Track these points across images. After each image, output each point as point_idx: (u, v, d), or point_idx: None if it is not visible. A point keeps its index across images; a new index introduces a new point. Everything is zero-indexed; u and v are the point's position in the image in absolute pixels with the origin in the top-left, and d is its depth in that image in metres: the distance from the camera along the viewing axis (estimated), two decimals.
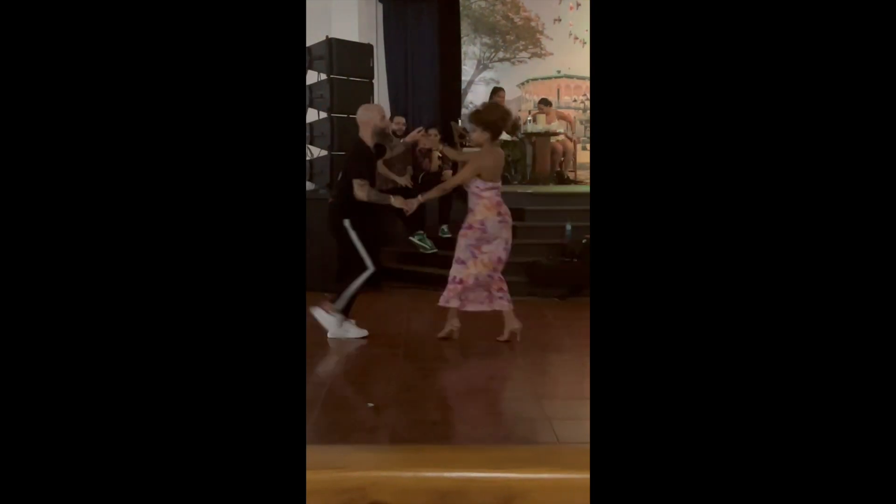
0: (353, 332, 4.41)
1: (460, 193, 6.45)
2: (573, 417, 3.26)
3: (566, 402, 3.46)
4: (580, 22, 9.16)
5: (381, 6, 9.12)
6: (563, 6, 9.22)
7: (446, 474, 0.85)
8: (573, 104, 9.37)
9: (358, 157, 4.31)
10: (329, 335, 4.32)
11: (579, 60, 9.19)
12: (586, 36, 9.16)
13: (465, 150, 8.03)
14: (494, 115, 4.16)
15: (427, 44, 9.17)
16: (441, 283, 5.99)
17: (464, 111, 9.12)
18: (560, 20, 9.24)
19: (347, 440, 2.91)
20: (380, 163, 6.30)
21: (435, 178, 6.47)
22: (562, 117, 8.64)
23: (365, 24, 8.36)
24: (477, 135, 4.14)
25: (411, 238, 6.29)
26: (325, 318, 4.32)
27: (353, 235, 4.26)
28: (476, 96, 9.18)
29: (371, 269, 4.29)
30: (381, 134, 4.28)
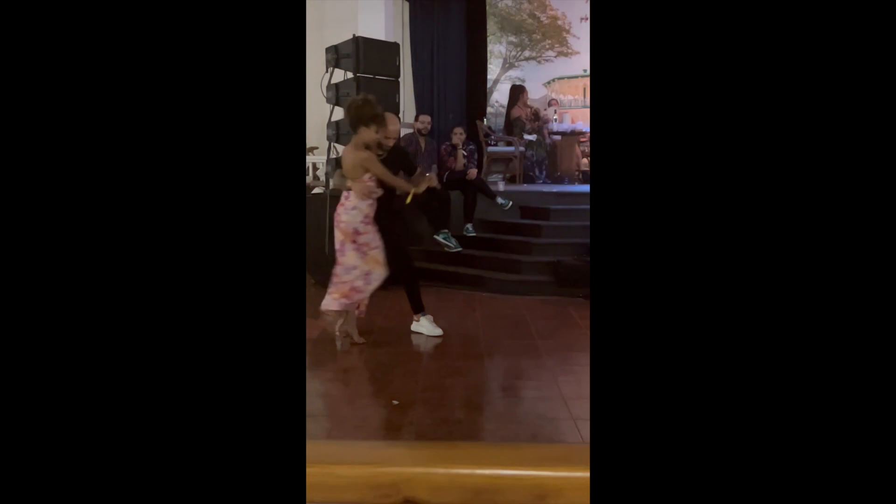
0: (425, 327, 4.55)
1: (485, 191, 6.48)
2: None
3: (586, 399, 3.45)
4: None
5: (407, 5, 9.13)
6: (589, 5, 9.17)
7: (479, 471, 0.85)
8: None
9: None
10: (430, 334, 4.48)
11: None
12: None
13: (490, 149, 8.03)
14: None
15: (453, 42, 9.17)
16: (467, 281, 6.01)
17: (489, 110, 9.11)
18: (587, 19, 9.18)
19: (373, 437, 2.92)
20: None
21: (460, 176, 6.48)
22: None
23: (392, 22, 8.37)
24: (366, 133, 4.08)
25: (436, 236, 6.30)
26: (420, 326, 4.51)
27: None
28: (502, 95, 9.17)
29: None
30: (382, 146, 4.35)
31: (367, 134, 4.02)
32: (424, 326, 4.50)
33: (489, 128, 8.46)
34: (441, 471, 0.84)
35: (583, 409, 3.26)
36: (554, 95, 9.08)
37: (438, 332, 4.46)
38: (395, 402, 3.33)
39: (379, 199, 4.15)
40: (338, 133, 5.97)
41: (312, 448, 0.90)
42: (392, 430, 3.05)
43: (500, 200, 6.44)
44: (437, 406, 3.32)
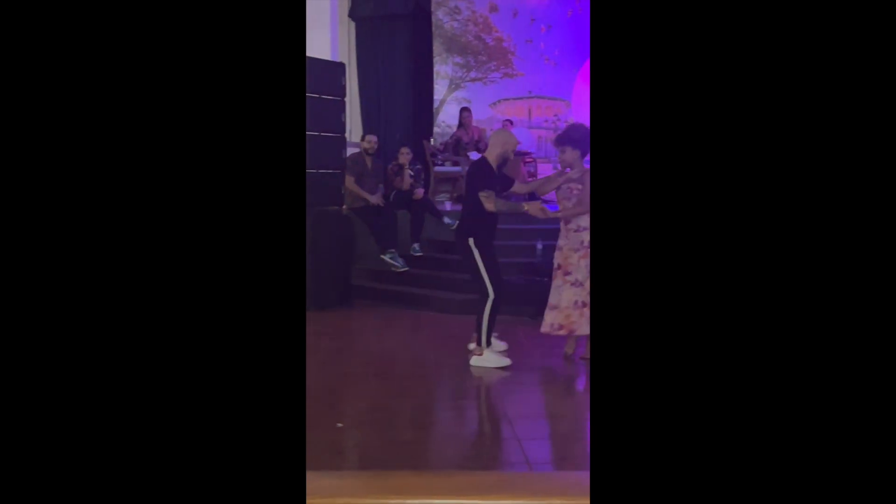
0: (495, 360, 4.20)
1: (432, 211, 6.49)
2: (542, 437, 3.28)
3: (535, 421, 3.48)
4: (551, 43, 9.27)
5: (354, 24, 9.15)
6: (534, 27, 9.32)
7: (412, 501, 0.85)
8: (545, 124, 9.46)
9: (479, 174, 4.21)
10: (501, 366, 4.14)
11: (550, 81, 9.29)
12: (557, 57, 9.27)
13: (437, 168, 8.08)
14: (581, 133, 4.18)
15: (399, 62, 9.21)
16: (413, 300, 6.00)
17: (436, 130, 9.15)
18: (531, 41, 9.33)
19: (317, 461, 2.88)
20: (351, 180, 6.31)
21: (406, 196, 6.49)
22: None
23: (338, 42, 8.36)
24: (568, 154, 4.15)
25: (383, 256, 6.29)
26: (482, 360, 4.14)
27: (477, 256, 4.11)
28: (448, 115, 9.23)
29: (492, 296, 4.10)
30: (504, 160, 4.24)
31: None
32: (490, 360, 4.15)
33: (435, 147, 8.51)
34: (373, 501, 0.84)
35: (527, 428, 3.28)
36: (502, 116, 9.18)
37: (506, 361, 4.15)
38: (340, 425, 3.29)
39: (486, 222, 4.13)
40: None
41: None
42: (336, 454, 3.01)
43: (446, 220, 6.46)
44: (383, 428, 3.30)
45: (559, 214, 4.19)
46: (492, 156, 4.23)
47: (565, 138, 4.19)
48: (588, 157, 4.15)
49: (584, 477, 0.91)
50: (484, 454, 3.06)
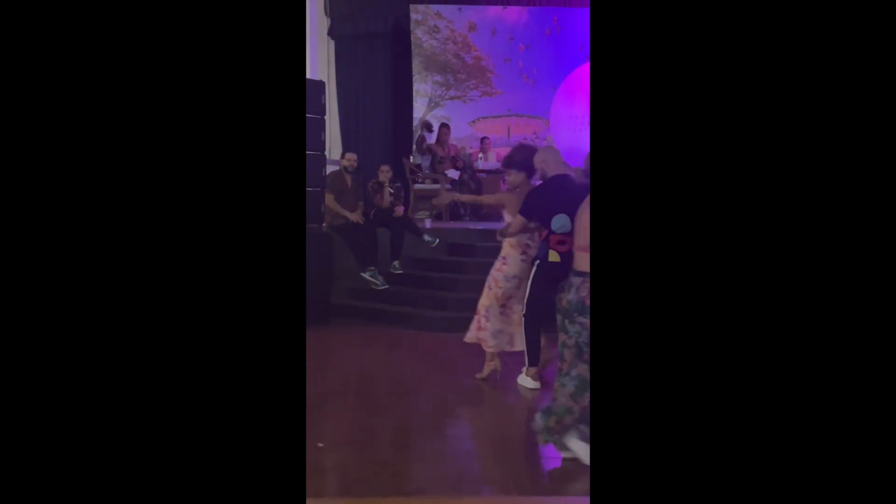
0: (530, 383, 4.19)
1: (412, 228, 6.48)
2: (520, 456, 3.25)
3: (515, 440, 3.45)
4: (529, 61, 9.34)
5: (333, 43, 9.17)
6: (512, 46, 9.39)
7: None
8: (524, 142, 9.51)
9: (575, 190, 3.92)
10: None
11: (529, 99, 9.36)
12: (536, 75, 9.35)
13: (417, 186, 8.08)
14: (524, 155, 4.19)
15: (379, 81, 9.23)
16: (393, 318, 5.97)
17: (415, 148, 9.17)
18: (510, 60, 9.40)
19: None
20: (330, 198, 6.29)
21: (386, 213, 6.47)
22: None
23: (317, 60, 8.38)
24: (513, 176, 4.17)
25: (363, 274, 6.26)
26: (527, 382, 4.16)
27: (531, 277, 4.12)
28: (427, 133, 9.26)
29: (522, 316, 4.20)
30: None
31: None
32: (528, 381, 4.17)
33: (415, 165, 8.51)
34: None
35: (507, 447, 3.26)
36: (480, 134, 9.23)
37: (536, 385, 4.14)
38: (320, 445, 3.25)
39: None
40: None
41: None
42: (316, 475, 2.97)
43: (426, 237, 6.45)
44: (363, 447, 3.27)
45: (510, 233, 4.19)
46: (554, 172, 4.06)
47: (510, 161, 4.20)
48: (535, 178, 4.15)
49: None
50: (465, 474, 3.03)
